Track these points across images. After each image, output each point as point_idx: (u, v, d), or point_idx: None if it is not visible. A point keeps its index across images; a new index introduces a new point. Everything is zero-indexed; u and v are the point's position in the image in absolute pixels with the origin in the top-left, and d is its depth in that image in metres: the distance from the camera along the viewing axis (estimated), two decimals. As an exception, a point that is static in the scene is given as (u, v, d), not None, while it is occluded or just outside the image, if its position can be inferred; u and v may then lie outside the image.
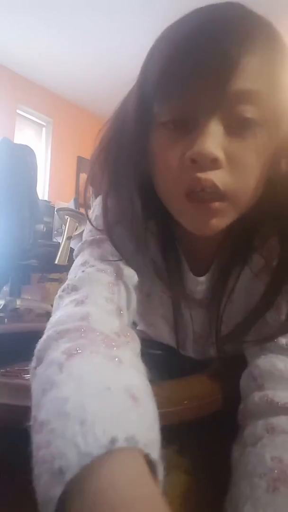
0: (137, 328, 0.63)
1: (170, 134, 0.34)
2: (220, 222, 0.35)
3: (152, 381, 0.38)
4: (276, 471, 0.27)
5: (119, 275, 0.38)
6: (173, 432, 0.47)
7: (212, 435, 0.47)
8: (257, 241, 0.40)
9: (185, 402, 0.37)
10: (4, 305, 2.11)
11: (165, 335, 0.52)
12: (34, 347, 0.32)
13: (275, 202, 0.36)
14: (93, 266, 0.38)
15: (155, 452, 0.23)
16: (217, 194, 0.33)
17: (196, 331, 0.48)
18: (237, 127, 0.32)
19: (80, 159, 4.26)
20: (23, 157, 2.03)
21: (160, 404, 0.35)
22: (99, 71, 3.62)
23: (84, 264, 0.40)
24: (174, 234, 0.43)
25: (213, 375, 0.47)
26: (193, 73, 0.31)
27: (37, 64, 3.56)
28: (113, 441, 0.20)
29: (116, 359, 0.27)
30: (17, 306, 2.24)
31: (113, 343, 0.29)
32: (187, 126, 0.33)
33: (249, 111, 0.32)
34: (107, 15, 2.90)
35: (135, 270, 0.41)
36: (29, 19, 2.96)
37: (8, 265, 2.30)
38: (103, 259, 0.39)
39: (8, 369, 0.55)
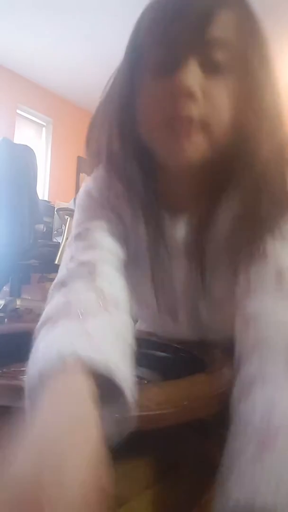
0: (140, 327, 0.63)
1: (154, 74, 0.39)
2: (195, 153, 0.39)
3: (152, 382, 0.38)
4: (263, 433, 0.28)
5: (101, 261, 0.41)
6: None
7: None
8: (232, 186, 0.43)
9: (185, 403, 0.37)
10: (4, 305, 2.11)
11: (149, 298, 0.52)
12: (30, 347, 0.32)
13: (243, 149, 0.40)
14: (77, 260, 0.41)
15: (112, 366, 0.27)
16: (193, 125, 0.37)
17: (181, 289, 0.50)
18: (211, 68, 0.37)
19: (80, 159, 4.26)
20: (23, 157, 2.03)
21: (159, 405, 0.35)
22: (100, 71, 3.62)
23: (71, 259, 0.42)
24: (155, 176, 0.46)
25: (214, 374, 0.47)
26: (175, 19, 0.37)
27: (37, 64, 3.56)
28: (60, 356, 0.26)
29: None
30: (17, 306, 2.24)
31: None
32: (170, 67, 0.37)
33: (221, 56, 0.37)
34: (107, 15, 2.90)
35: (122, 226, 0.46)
36: (29, 19, 2.96)
37: (8, 265, 2.30)
38: (86, 250, 0.43)
39: (4, 370, 0.55)
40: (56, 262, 1.97)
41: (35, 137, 3.95)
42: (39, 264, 2.32)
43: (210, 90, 0.37)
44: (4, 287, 2.50)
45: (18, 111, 3.71)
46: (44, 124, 4.00)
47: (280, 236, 0.39)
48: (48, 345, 0.29)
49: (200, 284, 0.47)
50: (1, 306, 2.10)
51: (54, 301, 0.37)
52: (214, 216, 0.44)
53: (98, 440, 0.24)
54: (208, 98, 0.37)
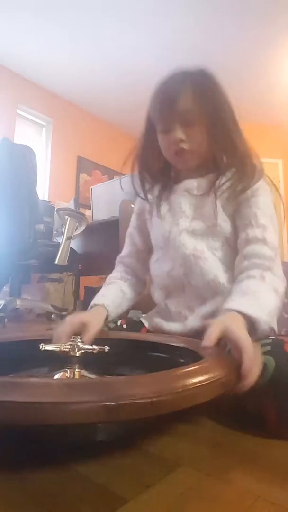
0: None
1: (163, 135, 0.78)
2: (189, 163, 0.79)
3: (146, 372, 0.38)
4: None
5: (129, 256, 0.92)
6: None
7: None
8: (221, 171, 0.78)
9: (180, 390, 0.37)
10: (4, 305, 2.11)
11: (161, 235, 0.83)
12: (25, 357, 0.33)
13: (218, 157, 0.78)
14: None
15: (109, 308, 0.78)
16: (184, 152, 0.76)
17: (188, 215, 0.79)
18: (188, 125, 0.74)
19: (80, 159, 4.26)
20: (23, 157, 2.03)
21: (154, 393, 0.36)
22: (99, 71, 3.63)
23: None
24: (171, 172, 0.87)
25: (209, 364, 0.47)
26: (164, 104, 0.75)
27: (37, 64, 3.56)
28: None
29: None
30: (17, 306, 2.24)
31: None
32: (168, 130, 0.76)
33: (189, 117, 0.74)
34: (108, 16, 2.90)
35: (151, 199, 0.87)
36: (29, 19, 2.97)
37: (8, 265, 2.30)
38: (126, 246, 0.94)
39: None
40: (56, 262, 1.97)
41: (35, 137, 3.95)
42: (39, 264, 2.32)
43: (190, 135, 0.75)
44: (4, 287, 2.50)
45: (18, 111, 3.71)
46: (44, 124, 4.00)
47: (251, 195, 0.74)
48: (94, 299, 0.79)
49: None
50: (1, 306, 2.10)
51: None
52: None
53: (100, 320, 0.73)
54: (189, 138, 0.75)
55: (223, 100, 0.77)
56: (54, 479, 0.37)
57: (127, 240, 0.95)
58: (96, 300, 0.79)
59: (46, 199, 3.56)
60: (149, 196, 0.87)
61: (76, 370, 0.56)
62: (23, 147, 2.07)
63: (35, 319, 2.77)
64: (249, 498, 0.35)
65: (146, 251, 0.90)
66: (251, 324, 0.58)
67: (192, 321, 0.74)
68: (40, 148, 3.90)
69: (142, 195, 0.86)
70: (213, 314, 0.71)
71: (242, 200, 0.74)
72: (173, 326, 0.77)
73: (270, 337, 0.58)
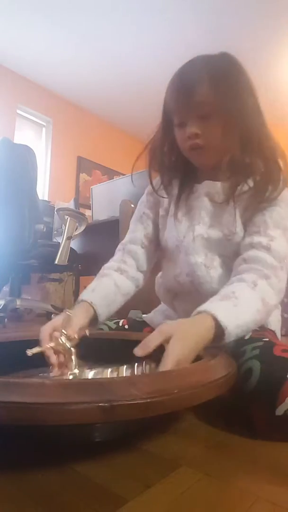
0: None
1: (179, 128, 0.72)
2: (205, 159, 0.74)
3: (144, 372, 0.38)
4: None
5: (130, 242, 0.85)
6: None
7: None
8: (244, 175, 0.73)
9: (175, 391, 0.37)
10: (4, 305, 2.11)
11: (174, 235, 0.79)
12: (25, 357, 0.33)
13: (240, 159, 0.71)
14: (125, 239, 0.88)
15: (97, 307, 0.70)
16: (199, 146, 0.70)
17: (206, 222, 0.76)
18: (203, 117, 0.68)
19: (80, 159, 4.26)
20: (23, 157, 2.03)
21: (149, 394, 0.36)
22: (99, 71, 3.62)
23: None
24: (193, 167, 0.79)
25: (207, 364, 0.47)
26: (180, 96, 0.70)
27: (37, 64, 3.56)
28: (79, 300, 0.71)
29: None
30: (17, 306, 2.24)
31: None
32: (185, 123, 0.71)
33: (207, 110, 0.68)
34: (107, 15, 2.90)
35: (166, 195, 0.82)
36: (29, 19, 2.96)
37: (8, 265, 2.30)
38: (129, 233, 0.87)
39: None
40: (56, 262, 1.97)
41: (35, 137, 3.94)
42: (39, 264, 2.32)
43: (205, 129, 0.69)
44: (4, 287, 2.50)
45: (18, 111, 3.71)
46: (44, 124, 4.00)
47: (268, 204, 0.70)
48: (82, 292, 0.73)
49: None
50: (1, 306, 2.10)
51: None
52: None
53: (85, 316, 0.68)
54: (205, 133, 0.69)
55: (245, 89, 0.70)
56: (54, 479, 0.37)
57: (132, 226, 0.87)
58: (85, 294, 0.72)
59: (46, 199, 3.56)
60: (165, 194, 0.81)
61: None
62: (23, 147, 2.07)
63: (35, 319, 2.77)
64: (249, 498, 0.35)
65: (154, 242, 0.85)
66: (221, 330, 0.54)
67: None
68: (40, 148, 3.90)
69: (161, 192, 0.81)
70: None
71: (258, 208, 0.70)
72: None
73: (264, 339, 0.58)
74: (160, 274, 0.88)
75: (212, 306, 0.57)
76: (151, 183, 0.83)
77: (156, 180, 0.83)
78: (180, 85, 0.70)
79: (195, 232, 0.75)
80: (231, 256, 0.72)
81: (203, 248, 0.74)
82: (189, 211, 0.78)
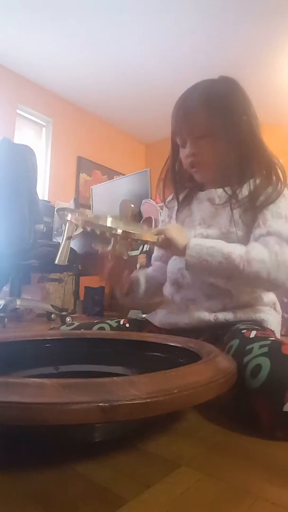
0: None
1: (181, 148, 0.83)
2: (204, 174, 0.84)
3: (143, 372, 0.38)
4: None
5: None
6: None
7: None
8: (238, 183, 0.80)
9: (175, 391, 0.37)
10: (4, 305, 2.11)
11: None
12: (25, 357, 0.33)
13: (235, 169, 0.79)
14: None
15: None
16: (197, 164, 0.81)
17: (205, 223, 0.83)
18: (199, 138, 0.78)
19: (80, 159, 4.26)
20: (23, 157, 2.03)
21: (149, 394, 0.35)
22: (99, 71, 3.62)
23: None
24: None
25: (207, 364, 0.47)
26: (177, 122, 0.81)
27: (37, 64, 3.56)
28: None
29: None
30: (17, 306, 2.24)
31: None
32: (185, 144, 0.81)
33: (200, 132, 0.77)
34: (107, 15, 2.90)
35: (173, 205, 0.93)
36: (29, 19, 2.97)
37: (8, 265, 2.30)
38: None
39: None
40: (56, 262, 1.97)
41: (35, 137, 3.94)
42: (39, 264, 2.32)
43: (201, 149, 0.79)
44: (4, 287, 2.50)
45: (18, 111, 3.71)
46: (44, 124, 4.00)
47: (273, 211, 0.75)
48: None
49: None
50: (1, 306, 2.10)
51: None
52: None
53: None
54: (201, 152, 0.79)
55: (239, 110, 0.77)
56: (54, 479, 0.37)
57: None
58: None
59: (46, 199, 3.56)
60: (171, 203, 0.93)
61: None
62: (23, 147, 2.07)
63: (35, 319, 2.77)
64: (249, 498, 0.35)
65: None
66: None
67: (198, 313, 0.77)
68: (40, 148, 3.90)
69: (171, 203, 0.93)
70: (219, 308, 0.76)
71: (259, 208, 0.76)
72: (181, 318, 0.79)
73: (270, 338, 0.58)
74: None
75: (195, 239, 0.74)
76: (163, 198, 0.96)
77: (169, 196, 0.95)
78: (179, 110, 0.80)
79: (196, 231, 0.82)
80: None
81: None
82: (191, 214, 0.87)
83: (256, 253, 0.69)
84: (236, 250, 0.70)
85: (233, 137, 0.76)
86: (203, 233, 0.80)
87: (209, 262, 0.70)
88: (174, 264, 0.86)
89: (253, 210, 0.76)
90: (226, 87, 0.80)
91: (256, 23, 2.90)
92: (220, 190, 0.81)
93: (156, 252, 1.00)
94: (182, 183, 0.90)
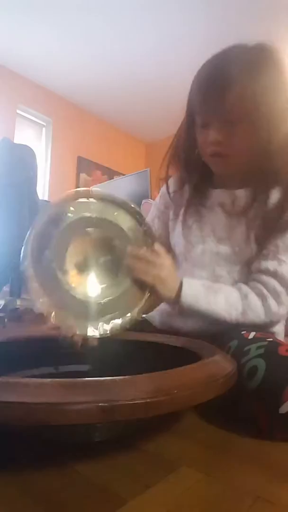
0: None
1: (201, 129, 0.65)
2: (225, 168, 0.68)
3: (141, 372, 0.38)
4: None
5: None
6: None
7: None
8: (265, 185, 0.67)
9: (175, 391, 0.37)
10: (4, 305, 2.11)
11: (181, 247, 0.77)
12: (25, 356, 0.33)
13: (266, 165, 0.64)
14: None
15: None
16: (221, 155, 0.64)
17: (216, 235, 0.72)
18: (231, 123, 0.61)
19: (80, 159, 4.26)
20: (23, 157, 2.03)
21: (148, 394, 0.36)
22: (99, 71, 3.62)
23: None
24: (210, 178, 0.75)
25: (206, 364, 0.47)
26: (206, 98, 0.61)
27: (37, 64, 3.56)
28: None
29: None
30: (17, 306, 2.24)
31: None
32: (208, 125, 0.63)
33: (236, 115, 0.59)
34: (107, 15, 2.90)
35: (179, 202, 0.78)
36: (29, 19, 2.96)
37: (8, 265, 2.30)
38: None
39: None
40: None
41: (35, 137, 3.94)
42: (39, 264, 2.32)
43: (229, 136, 0.61)
44: (4, 287, 2.50)
45: (18, 111, 3.71)
46: (44, 124, 4.00)
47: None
48: None
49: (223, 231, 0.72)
50: (1, 306, 2.10)
51: None
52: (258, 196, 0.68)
53: None
54: (228, 140, 0.61)
55: (280, 89, 0.59)
56: (54, 479, 0.37)
57: None
58: None
59: (46, 199, 3.56)
60: (176, 196, 0.78)
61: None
62: (23, 147, 2.07)
63: (35, 319, 2.76)
64: (249, 498, 0.35)
65: (165, 247, 0.86)
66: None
67: (201, 323, 0.72)
68: (40, 148, 3.90)
69: (174, 194, 0.78)
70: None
71: (274, 228, 0.66)
72: (182, 322, 0.76)
73: (268, 339, 0.58)
74: None
75: (189, 280, 0.66)
76: (167, 184, 0.79)
77: (171, 180, 0.80)
78: (209, 82, 0.59)
79: (205, 245, 0.72)
80: (238, 270, 0.71)
81: (212, 263, 0.72)
82: (199, 220, 0.74)
83: (251, 311, 0.65)
84: (231, 310, 0.64)
85: (273, 125, 0.59)
86: (212, 249, 0.71)
87: (203, 316, 0.66)
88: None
89: (274, 225, 0.64)
90: (268, 59, 0.60)
91: (257, 23, 2.90)
92: (236, 193, 0.69)
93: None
94: (188, 168, 0.73)
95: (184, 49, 3.20)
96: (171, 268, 0.63)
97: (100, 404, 0.33)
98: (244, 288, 0.66)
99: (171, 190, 0.80)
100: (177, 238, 0.79)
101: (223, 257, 0.71)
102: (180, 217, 0.77)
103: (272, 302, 0.65)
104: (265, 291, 0.66)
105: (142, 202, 2.36)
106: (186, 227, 0.76)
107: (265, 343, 0.55)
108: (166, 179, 0.79)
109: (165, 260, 0.62)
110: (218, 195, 0.71)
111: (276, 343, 0.55)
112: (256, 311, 0.66)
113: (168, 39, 3.13)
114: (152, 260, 0.60)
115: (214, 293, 0.65)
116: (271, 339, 0.57)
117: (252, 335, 0.60)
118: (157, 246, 0.62)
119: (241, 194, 0.68)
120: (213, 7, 2.77)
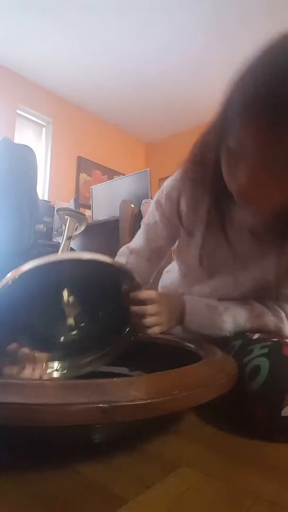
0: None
1: (229, 155, 0.49)
2: (252, 209, 0.58)
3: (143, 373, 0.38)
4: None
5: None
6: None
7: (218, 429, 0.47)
8: None
9: (175, 392, 0.37)
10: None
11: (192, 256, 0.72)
12: None
13: None
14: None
15: None
16: (251, 200, 0.50)
17: (240, 260, 0.66)
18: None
19: (80, 159, 4.26)
20: (23, 157, 2.03)
21: (148, 394, 0.36)
22: (99, 71, 3.62)
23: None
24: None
25: (207, 365, 0.47)
26: (256, 124, 0.41)
27: (37, 64, 3.56)
28: None
29: None
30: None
31: None
32: (241, 155, 0.46)
33: None
34: (107, 15, 2.90)
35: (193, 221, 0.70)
36: (29, 19, 2.96)
37: (8, 265, 2.30)
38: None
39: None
40: (56, 262, 1.96)
41: (35, 137, 3.94)
42: (39, 264, 2.32)
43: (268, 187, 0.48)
44: (4, 287, 2.49)
45: (18, 111, 3.71)
46: (44, 124, 4.00)
47: None
48: None
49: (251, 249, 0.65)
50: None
51: None
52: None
53: None
54: (264, 191, 0.48)
55: None
56: (54, 479, 0.37)
57: (142, 232, 0.84)
58: None
59: (46, 199, 3.55)
60: (189, 213, 0.69)
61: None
62: (23, 147, 2.07)
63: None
64: (249, 498, 0.35)
65: (163, 253, 0.83)
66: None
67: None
68: (40, 148, 3.90)
69: (186, 217, 0.70)
70: None
71: None
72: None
73: (273, 339, 0.57)
74: (168, 268, 0.89)
75: (193, 298, 0.68)
76: (178, 202, 0.71)
77: (183, 200, 0.70)
78: (275, 117, 0.39)
79: (231, 275, 0.68)
80: (255, 292, 0.68)
81: (231, 287, 0.70)
82: (221, 244, 0.67)
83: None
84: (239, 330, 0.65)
85: None
86: (238, 279, 0.66)
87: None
88: (174, 278, 0.82)
89: None
90: None
91: (257, 22, 2.90)
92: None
93: (140, 242, 0.85)
94: (207, 182, 0.60)
95: (184, 49, 3.20)
96: (166, 307, 0.62)
97: (100, 405, 0.33)
98: (256, 305, 0.67)
99: (183, 210, 0.70)
100: (193, 251, 0.71)
101: (243, 285, 0.67)
102: (199, 240, 0.69)
103: (284, 326, 0.66)
104: (282, 314, 0.67)
105: (142, 202, 2.36)
106: (207, 257, 0.69)
107: (270, 342, 0.54)
108: (178, 208, 0.71)
109: (159, 303, 0.60)
110: (245, 217, 0.61)
111: (280, 343, 0.54)
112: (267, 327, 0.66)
113: (168, 39, 3.13)
114: (153, 313, 0.59)
115: (219, 315, 0.65)
116: (275, 339, 0.56)
117: (256, 335, 0.60)
118: (145, 293, 0.59)
119: (271, 220, 0.58)
120: (215, 7, 2.77)
